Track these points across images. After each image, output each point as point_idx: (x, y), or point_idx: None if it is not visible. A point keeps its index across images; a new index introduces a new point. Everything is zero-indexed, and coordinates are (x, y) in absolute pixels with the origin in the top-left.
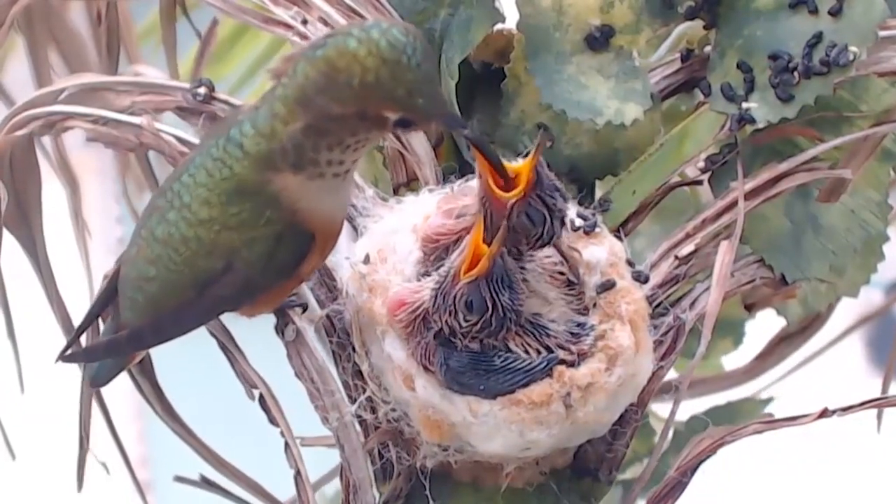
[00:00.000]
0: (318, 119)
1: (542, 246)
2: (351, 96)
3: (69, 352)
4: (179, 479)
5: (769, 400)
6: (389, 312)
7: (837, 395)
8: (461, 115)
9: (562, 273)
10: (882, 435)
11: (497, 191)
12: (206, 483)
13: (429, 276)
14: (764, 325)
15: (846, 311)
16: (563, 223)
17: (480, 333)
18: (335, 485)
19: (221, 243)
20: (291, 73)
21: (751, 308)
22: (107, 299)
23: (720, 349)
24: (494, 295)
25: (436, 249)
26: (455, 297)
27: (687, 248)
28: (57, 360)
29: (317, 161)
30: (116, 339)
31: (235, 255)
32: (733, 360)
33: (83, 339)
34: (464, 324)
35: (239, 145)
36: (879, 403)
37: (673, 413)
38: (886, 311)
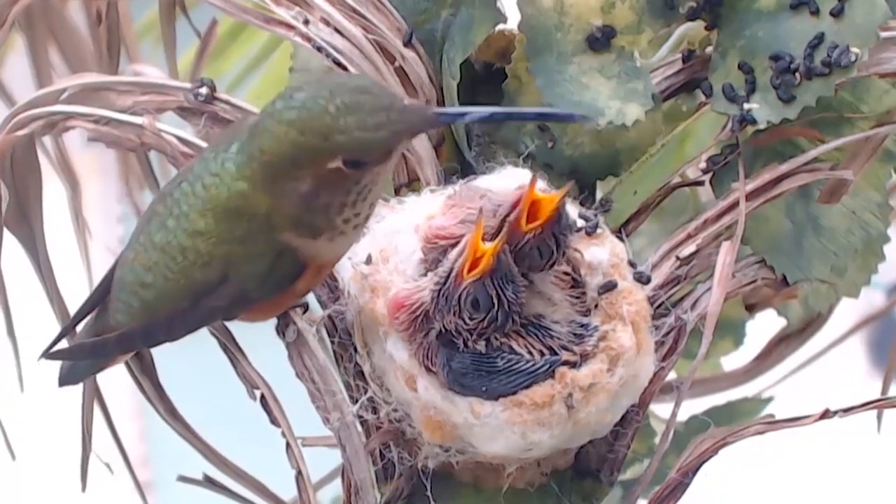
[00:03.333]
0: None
1: (539, 271)
2: (295, 169)
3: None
4: (183, 478)
5: (769, 400)
6: (389, 316)
7: (838, 396)
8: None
9: (567, 273)
10: (882, 436)
11: (523, 221)
12: (210, 483)
13: (426, 276)
14: (764, 326)
15: (847, 311)
16: (565, 254)
17: (487, 329)
18: (336, 487)
19: (219, 256)
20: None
21: (752, 309)
22: (98, 299)
23: (721, 350)
24: (499, 291)
25: (433, 250)
26: (459, 297)
27: (688, 249)
28: (40, 358)
29: (333, 225)
30: (104, 341)
31: (232, 268)
32: (733, 361)
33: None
34: (469, 322)
35: (233, 177)
36: (880, 404)
37: (674, 414)
38: (888, 313)
